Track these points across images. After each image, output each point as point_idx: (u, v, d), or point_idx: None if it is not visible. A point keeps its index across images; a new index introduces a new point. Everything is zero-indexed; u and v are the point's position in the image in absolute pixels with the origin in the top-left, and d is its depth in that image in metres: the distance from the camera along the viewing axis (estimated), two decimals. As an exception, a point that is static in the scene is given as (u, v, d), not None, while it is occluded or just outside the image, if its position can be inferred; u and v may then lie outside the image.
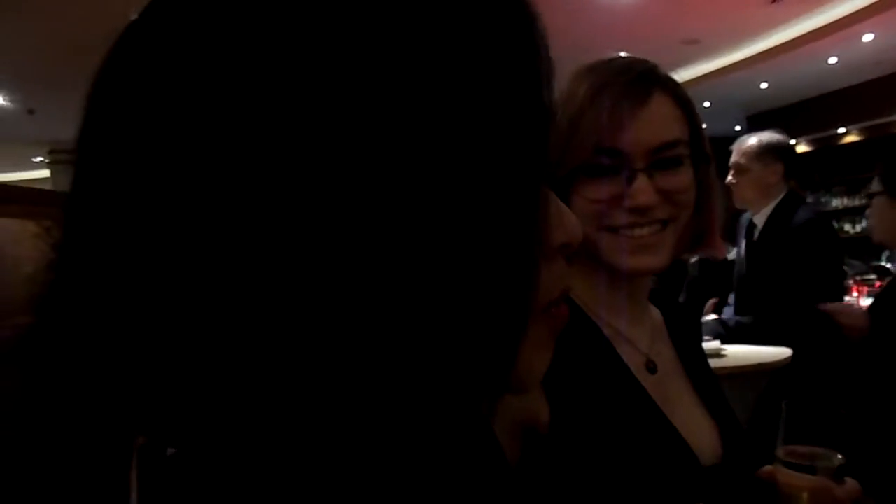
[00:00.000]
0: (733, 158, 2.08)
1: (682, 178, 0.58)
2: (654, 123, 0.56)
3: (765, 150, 2.07)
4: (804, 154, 6.79)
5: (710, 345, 1.79)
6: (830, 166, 6.44)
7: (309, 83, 0.20)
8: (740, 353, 1.92)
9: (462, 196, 0.21)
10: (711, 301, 2.63)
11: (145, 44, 0.22)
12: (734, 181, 2.08)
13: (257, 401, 0.22)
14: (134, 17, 0.24)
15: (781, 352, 1.89)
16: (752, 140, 2.10)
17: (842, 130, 6.50)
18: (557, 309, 0.29)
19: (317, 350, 0.21)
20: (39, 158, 8.14)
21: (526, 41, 0.24)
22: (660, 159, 0.56)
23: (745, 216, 2.20)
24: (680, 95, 0.59)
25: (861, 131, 6.42)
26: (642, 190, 0.55)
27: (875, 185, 1.59)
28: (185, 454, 0.25)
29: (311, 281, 0.20)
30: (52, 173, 7.96)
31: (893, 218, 1.53)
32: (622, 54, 0.61)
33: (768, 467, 0.54)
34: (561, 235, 0.28)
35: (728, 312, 2.25)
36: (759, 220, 2.12)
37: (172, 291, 0.21)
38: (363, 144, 0.20)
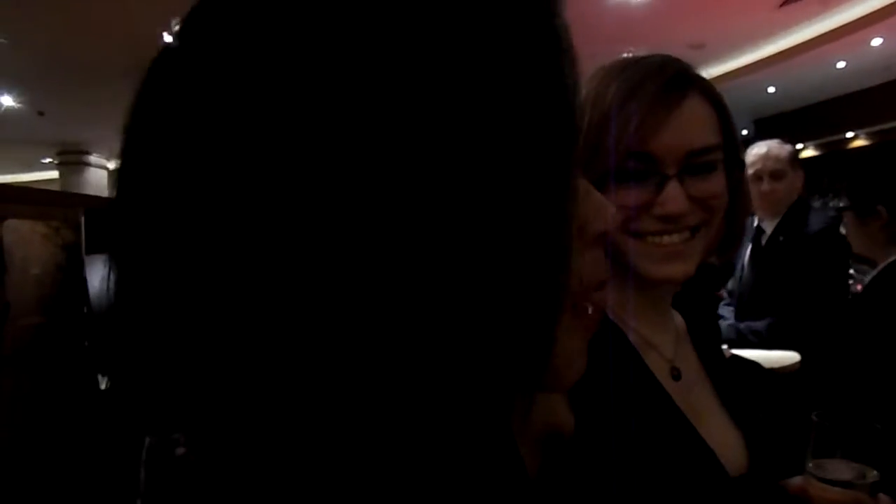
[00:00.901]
0: (772, 166, 2.06)
1: (716, 184, 0.55)
2: (689, 128, 0.53)
3: (795, 157, 2.09)
4: (812, 158, 6.76)
5: None
6: (838, 170, 6.41)
7: (331, 89, 0.21)
8: (749, 357, 1.91)
9: (491, 185, 0.21)
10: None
11: (178, 67, 0.24)
12: (770, 188, 2.07)
13: (273, 400, 0.22)
14: (157, 30, 0.25)
15: (790, 356, 1.88)
16: (784, 147, 2.10)
17: (850, 135, 6.47)
18: (596, 298, 0.28)
19: (338, 347, 0.21)
20: (48, 160, 8.20)
21: (549, 33, 0.24)
22: (693, 164, 0.54)
23: (749, 220, 2.19)
24: (714, 97, 0.57)
25: (869, 136, 6.38)
26: (673, 198, 0.53)
27: (843, 201, 1.60)
28: (194, 453, 0.25)
29: (336, 276, 0.21)
30: (60, 174, 8.01)
31: (862, 233, 1.54)
32: (628, 54, 0.59)
33: (798, 479, 0.52)
34: (598, 224, 0.27)
35: (724, 312, 2.24)
36: (768, 225, 2.12)
37: (186, 293, 0.22)
38: (394, 141, 0.21)
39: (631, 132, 0.52)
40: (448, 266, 0.21)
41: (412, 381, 0.22)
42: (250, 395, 0.22)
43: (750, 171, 2.09)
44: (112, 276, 0.24)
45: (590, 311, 0.28)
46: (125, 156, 0.24)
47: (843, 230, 1.92)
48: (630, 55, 0.57)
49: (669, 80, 0.54)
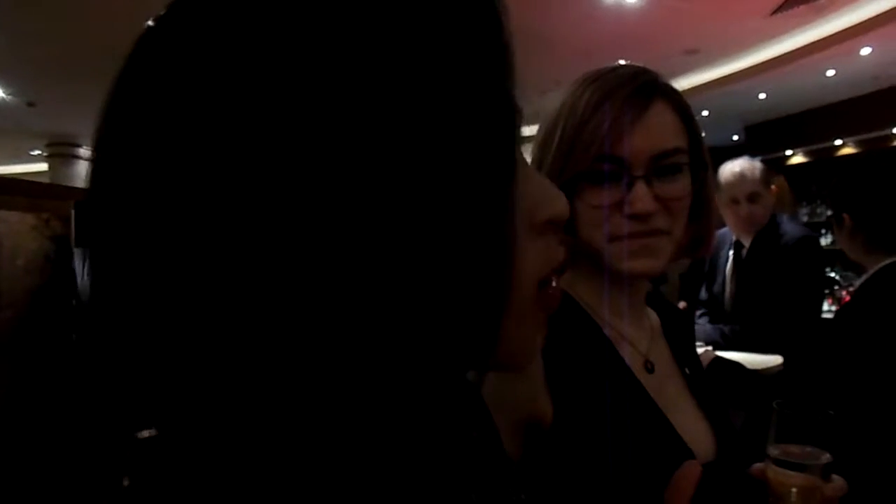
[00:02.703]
0: (749, 188, 2.07)
1: (681, 186, 0.59)
2: (654, 132, 0.57)
3: (767, 176, 2.12)
4: (801, 165, 6.83)
5: (702, 351, 1.81)
6: (826, 178, 6.48)
7: (297, 91, 0.22)
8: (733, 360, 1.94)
9: (434, 178, 0.22)
10: (681, 304, 2.67)
11: (156, 54, 0.24)
12: (748, 211, 2.08)
13: (251, 389, 0.22)
14: (147, 21, 0.25)
15: (773, 359, 1.92)
16: (756, 167, 2.12)
17: (838, 143, 6.54)
18: (550, 286, 0.29)
19: (308, 338, 0.22)
20: (38, 151, 8.11)
21: (489, 33, 0.25)
22: (659, 167, 0.57)
23: (724, 232, 2.23)
24: (680, 104, 0.61)
25: (857, 144, 6.45)
26: (641, 197, 0.56)
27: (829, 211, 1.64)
28: (181, 448, 0.25)
29: (302, 273, 0.21)
30: (50, 166, 7.92)
31: (843, 241, 1.57)
32: (622, 62, 0.63)
33: (759, 465, 0.55)
34: (545, 211, 0.28)
35: (703, 320, 2.28)
36: (746, 239, 2.16)
37: (175, 289, 0.22)
38: (345, 143, 0.21)
39: (602, 136, 0.55)
40: (394, 251, 0.22)
41: (369, 358, 0.22)
42: (229, 386, 0.22)
43: (726, 195, 2.11)
44: (92, 269, 0.24)
45: (549, 293, 0.29)
46: (101, 145, 0.24)
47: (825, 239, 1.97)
48: (606, 66, 0.62)
49: (637, 88, 0.57)
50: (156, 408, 0.25)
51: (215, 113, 0.22)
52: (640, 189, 0.56)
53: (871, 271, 1.48)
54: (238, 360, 0.22)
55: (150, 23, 0.25)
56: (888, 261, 1.46)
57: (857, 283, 1.55)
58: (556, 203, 0.28)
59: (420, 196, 0.22)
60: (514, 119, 0.25)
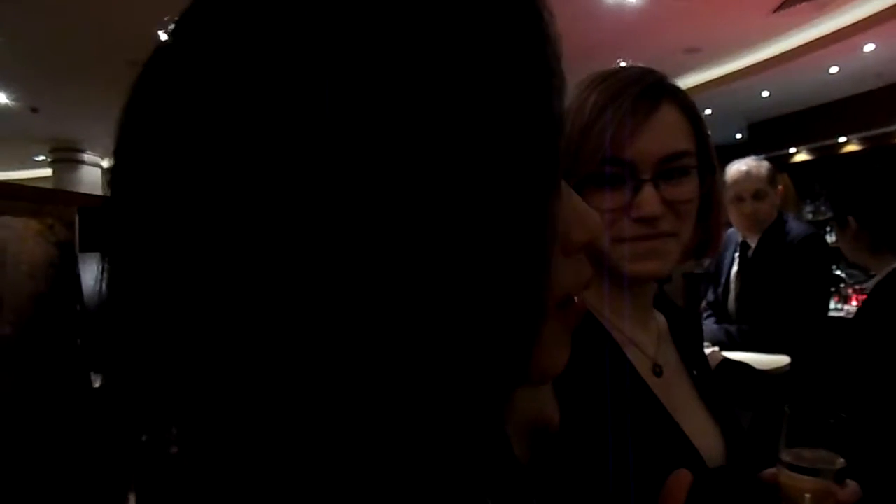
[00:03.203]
0: (754, 186, 2.08)
1: (688, 189, 0.58)
2: (662, 134, 0.57)
3: (773, 174, 2.12)
4: (805, 162, 6.80)
5: (709, 351, 1.80)
6: (830, 175, 6.45)
7: (321, 93, 0.21)
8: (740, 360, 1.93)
9: (473, 195, 0.22)
10: None
11: (172, 64, 0.24)
12: (753, 209, 2.08)
13: (266, 397, 0.22)
14: (160, 31, 0.25)
15: (780, 359, 1.91)
16: (762, 165, 2.12)
17: (842, 140, 6.51)
18: (575, 303, 0.29)
19: (329, 350, 0.21)
20: (41, 157, 8.14)
21: (538, 47, 0.25)
22: (666, 170, 0.57)
23: (730, 233, 2.22)
24: (687, 106, 0.60)
25: (861, 141, 6.43)
26: (648, 200, 0.56)
27: (829, 211, 1.62)
28: (188, 453, 0.25)
29: (325, 283, 0.21)
30: (54, 172, 7.96)
31: (845, 242, 1.56)
32: (622, 63, 0.62)
33: (771, 470, 0.55)
34: (583, 234, 0.28)
35: (709, 321, 2.28)
36: (752, 240, 2.16)
37: (181, 291, 0.22)
38: (380, 153, 0.21)
39: (608, 139, 0.55)
40: (431, 267, 0.21)
41: (401, 378, 0.22)
42: (243, 392, 0.22)
43: (731, 192, 2.11)
44: (106, 274, 0.24)
45: (573, 310, 0.29)
46: (119, 154, 0.25)
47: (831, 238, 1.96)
48: (613, 67, 0.62)
49: (644, 90, 0.57)
50: (168, 411, 0.24)
51: (234, 123, 0.21)
52: (648, 192, 0.56)
53: (884, 272, 1.47)
54: (259, 365, 0.22)
55: (163, 35, 0.25)
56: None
57: (870, 284, 1.54)
58: (593, 226, 0.28)
59: (462, 210, 0.22)
60: (559, 131, 0.25)
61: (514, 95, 0.23)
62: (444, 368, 0.22)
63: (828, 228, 5.18)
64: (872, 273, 1.54)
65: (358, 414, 0.22)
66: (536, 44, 0.25)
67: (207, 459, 0.24)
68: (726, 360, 1.57)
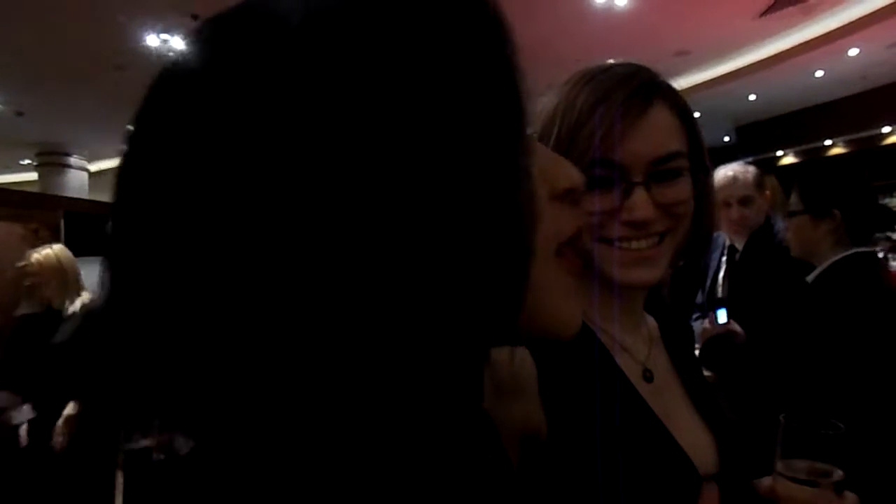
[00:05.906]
0: (741, 192, 2.08)
1: (681, 191, 0.56)
2: (653, 136, 0.54)
3: (760, 180, 2.13)
4: (791, 165, 6.87)
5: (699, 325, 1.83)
6: (811, 171, 6.51)
7: (316, 109, 0.23)
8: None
9: (451, 157, 0.23)
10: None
11: (179, 83, 0.25)
12: (740, 215, 2.09)
13: (263, 390, 0.22)
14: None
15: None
16: (749, 171, 2.13)
17: (828, 142, 6.59)
18: (571, 248, 0.31)
19: (322, 325, 0.22)
20: (27, 161, 8.06)
21: (499, 47, 0.27)
22: (658, 171, 0.55)
23: (716, 236, 2.24)
24: (680, 105, 0.58)
25: (846, 143, 6.51)
26: (640, 204, 0.54)
27: (795, 204, 1.61)
28: (172, 459, 0.25)
29: (321, 265, 0.22)
30: (39, 176, 7.87)
31: (812, 237, 1.56)
32: (611, 61, 0.60)
33: (766, 479, 0.53)
34: (564, 181, 0.31)
35: (697, 323, 2.29)
36: (739, 243, 2.18)
37: (184, 293, 0.23)
38: (359, 115, 0.23)
39: (598, 140, 0.53)
40: (417, 227, 0.23)
41: (397, 331, 0.23)
42: (242, 382, 0.23)
43: (718, 198, 2.12)
44: (107, 278, 0.25)
45: (569, 256, 0.31)
46: (126, 162, 0.26)
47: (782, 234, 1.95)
48: (603, 64, 0.59)
49: (635, 89, 0.54)
50: (164, 410, 0.25)
51: (231, 137, 0.23)
52: (639, 195, 0.54)
53: (828, 262, 1.49)
54: (257, 359, 0.22)
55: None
56: (848, 252, 1.47)
57: (815, 272, 1.55)
58: (572, 173, 0.31)
59: (437, 172, 0.23)
60: (520, 97, 0.26)
61: (473, 49, 0.25)
62: (440, 312, 0.23)
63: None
64: (816, 265, 1.56)
65: (350, 397, 0.23)
66: (488, 27, 0.26)
67: (207, 459, 0.24)
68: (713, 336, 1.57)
